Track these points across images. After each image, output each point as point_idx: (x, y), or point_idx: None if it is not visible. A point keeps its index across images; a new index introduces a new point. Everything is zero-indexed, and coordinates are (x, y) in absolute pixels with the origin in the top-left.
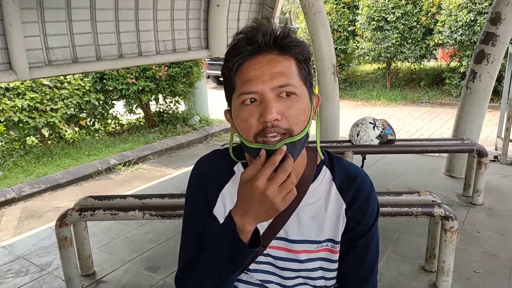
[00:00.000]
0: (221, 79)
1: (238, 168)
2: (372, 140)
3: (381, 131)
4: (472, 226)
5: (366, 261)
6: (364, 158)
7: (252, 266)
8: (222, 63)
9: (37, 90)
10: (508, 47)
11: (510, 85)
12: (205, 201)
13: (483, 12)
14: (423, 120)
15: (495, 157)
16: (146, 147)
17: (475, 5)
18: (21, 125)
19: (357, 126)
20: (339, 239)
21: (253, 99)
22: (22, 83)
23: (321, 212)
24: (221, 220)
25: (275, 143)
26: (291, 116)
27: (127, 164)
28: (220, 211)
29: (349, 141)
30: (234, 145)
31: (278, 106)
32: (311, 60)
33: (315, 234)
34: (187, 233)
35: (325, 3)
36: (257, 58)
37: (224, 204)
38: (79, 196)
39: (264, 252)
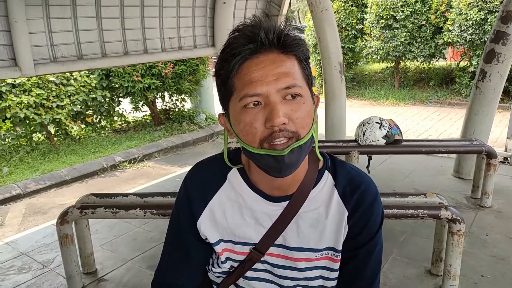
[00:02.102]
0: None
1: (233, 173)
2: (378, 140)
3: (388, 131)
4: (480, 229)
5: (367, 271)
6: (370, 158)
7: (249, 273)
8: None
9: (43, 87)
10: None
11: None
12: (188, 213)
13: (494, 10)
14: (431, 120)
15: (505, 158)
16: (152, 144)
17: (486, 4)
18: (27, 121)
19: (363, 125)
20: (340, 247)
21: (256, 102)
22: (28, 80)
23: (321, 219)
24: (207, 231)
25: (282, 148)
26: (298, 119)
27: (132, 161)
28: (207, 222)
29: (355, 140)
30: (229, 149)
31: (284, 109)
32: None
33: (315, 242)
34: (167, 239)
35: (333, 1)
36: (259, 58)
37: (214, 214)
38: (84, 193)
39: (262, 259)
